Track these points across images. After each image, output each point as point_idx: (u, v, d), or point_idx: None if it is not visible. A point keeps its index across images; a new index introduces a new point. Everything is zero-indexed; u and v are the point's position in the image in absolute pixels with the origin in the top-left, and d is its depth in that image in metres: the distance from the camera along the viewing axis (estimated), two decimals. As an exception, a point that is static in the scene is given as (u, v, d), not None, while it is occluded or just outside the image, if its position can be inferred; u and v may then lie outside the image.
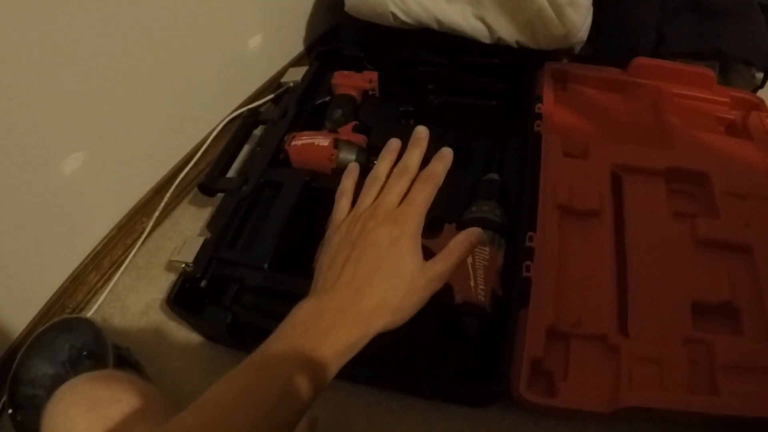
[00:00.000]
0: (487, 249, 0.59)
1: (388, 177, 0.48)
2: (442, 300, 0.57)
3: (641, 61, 0.77)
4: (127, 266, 0.77)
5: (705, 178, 0.66)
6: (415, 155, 0.49)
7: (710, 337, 0.55)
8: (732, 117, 0.76)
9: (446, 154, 0.49)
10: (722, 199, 0.64)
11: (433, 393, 0.57)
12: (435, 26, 0.82)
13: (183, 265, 0.65)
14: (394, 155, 0.50)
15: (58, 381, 0.61)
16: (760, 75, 0.79)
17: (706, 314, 0.57)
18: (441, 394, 0.57)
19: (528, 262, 0.58)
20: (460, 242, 0.46)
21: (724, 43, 0.77)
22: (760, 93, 0.79)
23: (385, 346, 0.56)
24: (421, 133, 0.50)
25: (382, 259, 0.41)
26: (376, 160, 0.74)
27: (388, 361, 0.56)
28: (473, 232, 0.47)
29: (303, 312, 0.40)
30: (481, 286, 0.57)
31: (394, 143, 0.51)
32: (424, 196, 0.45)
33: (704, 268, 0.60)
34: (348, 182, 0.51)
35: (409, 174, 0.47)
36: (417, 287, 0.42)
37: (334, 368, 0.38)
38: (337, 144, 0.73)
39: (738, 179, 0.66)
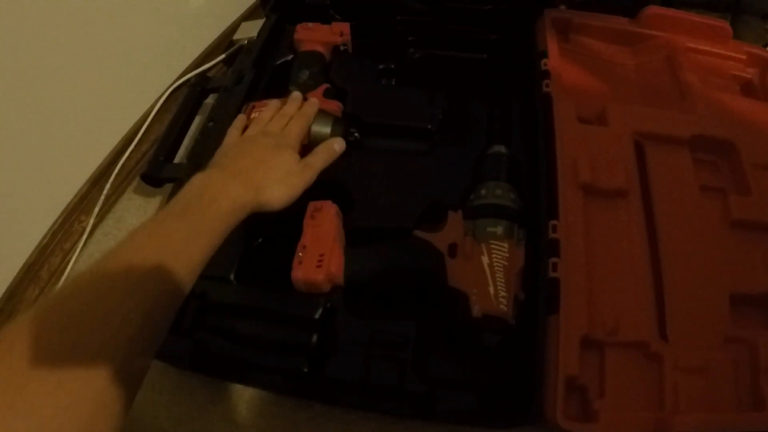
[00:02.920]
0: (506, 245, 0.46)
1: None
2: (456, 313, 0.45)
3: (653, 10, 0.64)
4: (68, 275, 0.61)
5: (731, 147, 0.55)
6: (293, 106, 0.56)
7: (751, 335, 0.46)
8: (749, 76, 0.64)
9: (314, 101, 0.57)
10: (752, 173, 0.54)
11: (450, 421, 0.46)
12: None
13: (130, 281, 0.49)
14: (277, 107, 0.57)
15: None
16: (773, 30, 0.67)
17: (743, 306, 0.48)
18: (460, 421, 0.46)
19: (554, 259, 0.46)
20: (322, 149, 0.53)
21: (744, -6, 0.65)
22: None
23: (390, 372, 0.45)
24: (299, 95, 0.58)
25: (268, 153, 0.49)
26: (355, 132, 0.59)
27: (394, 390, 0.44)
28: (333, 142, 0.54)
29: (195, 182, 0.43)
30: (502, 293, 0.44)
31: (275, 102, 0.58)
32: (298, 127, 0.53)
33: (740, 255, 0.50)
34: (239, 122, 0.56)
35: (287, 116, 0.55)
36: (294, 172, 0.49)
37: (222, 226, 0.41)
38: (307, 114, 0.57)
39: (765, 149, 0.55)
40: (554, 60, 0.59)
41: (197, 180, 0.43)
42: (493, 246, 0.46)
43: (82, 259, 0.62)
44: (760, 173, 0.54)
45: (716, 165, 0.56)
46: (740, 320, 0.47)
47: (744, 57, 0.64)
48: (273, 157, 0.48)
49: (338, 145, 0.53)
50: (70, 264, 0.61)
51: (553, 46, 0.61)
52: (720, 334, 0.46)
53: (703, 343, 0.45)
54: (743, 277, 0.49)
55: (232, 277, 0.49)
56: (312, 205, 0.50)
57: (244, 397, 0.51)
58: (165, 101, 0.67)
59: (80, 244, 0.62)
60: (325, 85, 0.62)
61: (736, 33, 0.69)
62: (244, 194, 0.43)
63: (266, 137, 0.50)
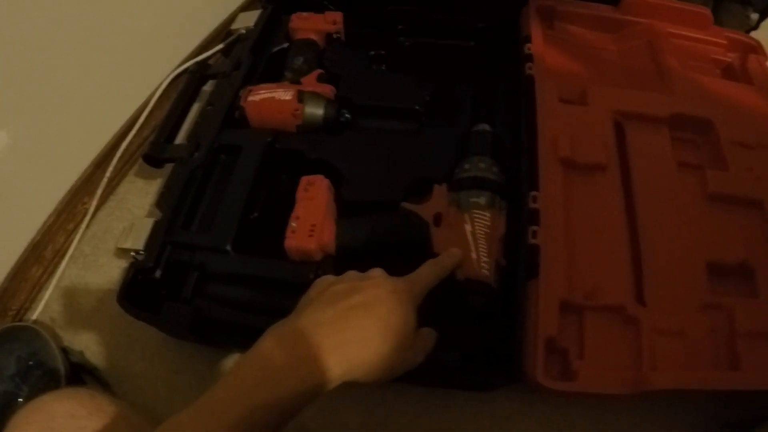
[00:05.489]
0: (488, 214, 0.49)
1: None
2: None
3: (636, -4, 0.66)
4: (72, 255, 0.63)
5: (709, 125, 0.57)
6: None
7: (728, 301, 0.48)
8: (729, 60, 0.66)
9: (456, 253, 0.46)
10: (729, 149, 0.56)
11: (435, 381, 0.48)
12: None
13: (132, 254, 0.52)
14: None
15: (9, 397, 0.52)
16: (755, 16, 0.70)
17: (720, 276, 0.50)
18: (444, 383, 0.48)
19: (534, 227, 0.48)
20: (427, 333, 0.42)
21: (723, -20, 0.67)
22: (753, 34, 0.70)
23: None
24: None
25: (378, 305, 0.37)
26: (347, 113, 0.61)
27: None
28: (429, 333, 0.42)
29: (266, 343, 0.35)
30: (485, 259, 0.47)
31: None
32: (430, 274, 0.43)
33: (717, 226, 0.52)
34: None
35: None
36: (406, 346, 0.37)
37: (294, 405, 0.33)
38: (301, 97, 0.60)
39: (743, 127, 0.58)
40: (537, 44, 0.62)
41: (262, 346, 0.34)
42: (475, 215, 0.48)
43: (85, 239, 0.64)
44: (737, 149, 0.56)
45: (695, 144, 0.59)
46: (718, 289, 0.49)
47: (724, 42, 0.66)
48: (392, 317, 0.36)
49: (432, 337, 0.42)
50: (74, 244, 0.64)
51: (536, 32, 0.63)
52: (697, 300, 0.48)
53: (680, 308, 0.47)
54: (720, 246, 0.51)
55: (229, 247, 0.51)
56: (305, 179, 0.53)
57: (241, 365, 0.54)
58: (166, 88, 0.70)
59: (83, 225, 0.64)
60: (319, 71, 0.64)
61: (719, 20, 0.71)
62: (333, 369, 0.33)
63: (387, 281, 0.39)
